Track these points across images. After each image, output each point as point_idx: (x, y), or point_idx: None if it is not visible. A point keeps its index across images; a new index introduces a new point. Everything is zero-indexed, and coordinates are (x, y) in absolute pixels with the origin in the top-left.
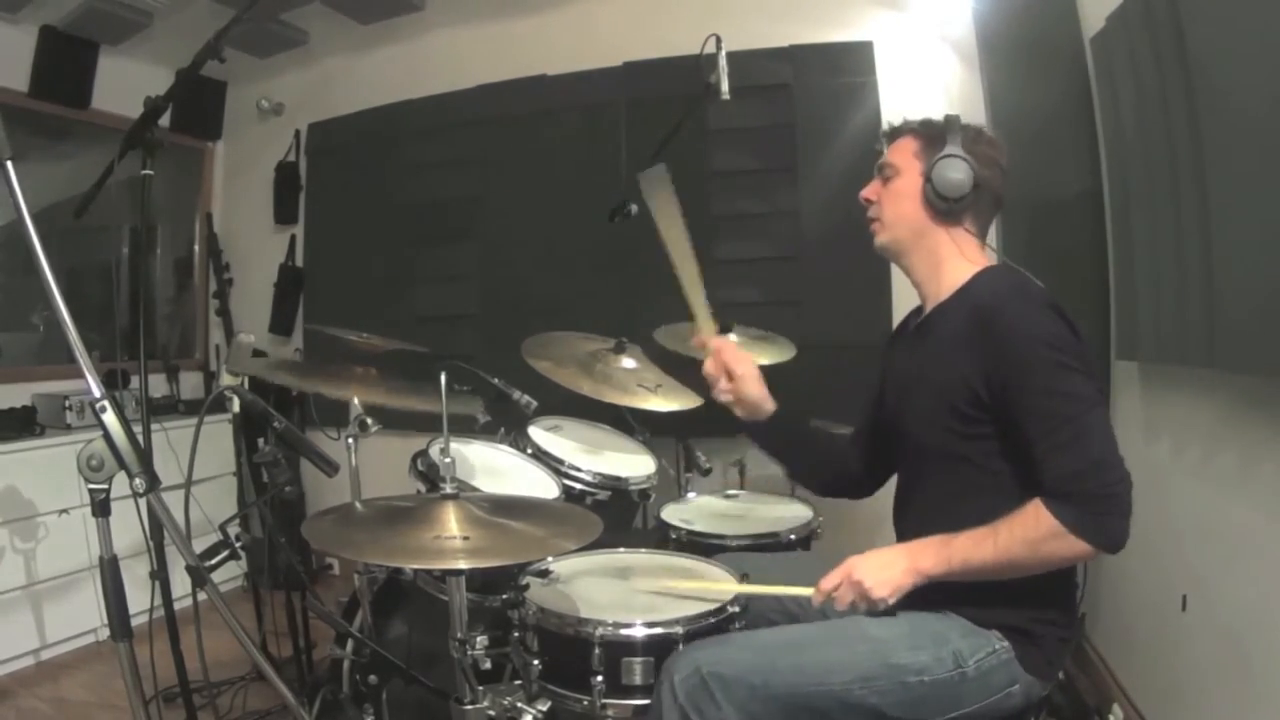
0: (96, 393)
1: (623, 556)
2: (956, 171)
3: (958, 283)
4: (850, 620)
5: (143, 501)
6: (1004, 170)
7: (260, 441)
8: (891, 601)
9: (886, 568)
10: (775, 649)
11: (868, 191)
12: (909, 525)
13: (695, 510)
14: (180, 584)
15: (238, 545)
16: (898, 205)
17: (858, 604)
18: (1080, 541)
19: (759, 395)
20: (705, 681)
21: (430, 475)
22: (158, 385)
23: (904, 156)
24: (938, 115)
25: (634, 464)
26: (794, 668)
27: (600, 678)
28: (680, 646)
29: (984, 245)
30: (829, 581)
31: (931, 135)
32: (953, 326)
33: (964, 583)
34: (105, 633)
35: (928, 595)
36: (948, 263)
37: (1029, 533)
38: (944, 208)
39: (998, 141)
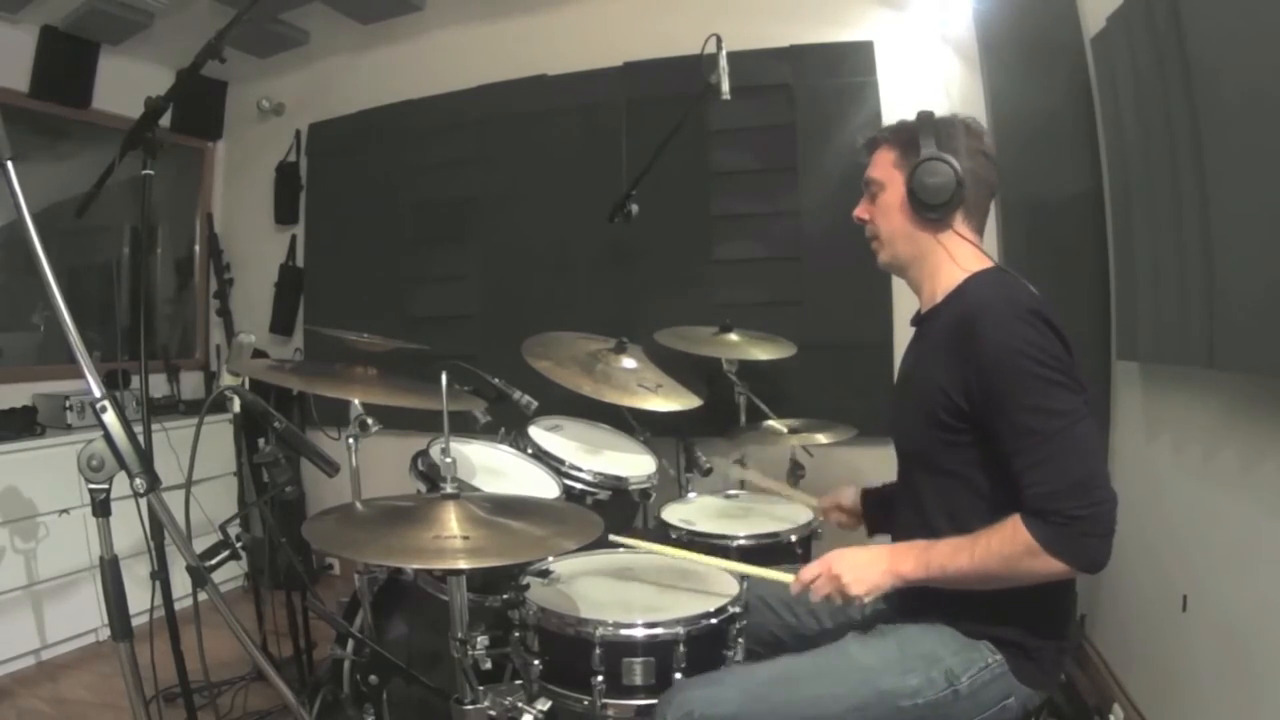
0: (97, 393)
1: (623, 556)
2: (937, 175)
3: (950, 287)
4: (839, 648)
5: (143, 501)
6: (989, 155)
7: (261, 441)
8: (867, 600)
9: (866, 566)
10: (767, 685)
11: (860, 211)
12: (900, 529)
13: (696, 510)
14: (180, 584)
15: (238, 545)
16: (890, 221)
17: (833, 597)
18: (1056, 561)
19: (857, 504)
20: None
21: (431, 475)
22: (158, 385)
23: (885, 169)
24: (911, 116)
25: (634, 464)
26: (787, 704)
27: (600, 678)
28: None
29: (979, 245)
30: (809, 571)
31: (906, 141)
32: (939, 333)
33: (955, 593)
34: (105, 633)
35: (918, 606)
36: (942, 268)
37: (1005, 548)
38: (933, 215)
39: (976, 127)
